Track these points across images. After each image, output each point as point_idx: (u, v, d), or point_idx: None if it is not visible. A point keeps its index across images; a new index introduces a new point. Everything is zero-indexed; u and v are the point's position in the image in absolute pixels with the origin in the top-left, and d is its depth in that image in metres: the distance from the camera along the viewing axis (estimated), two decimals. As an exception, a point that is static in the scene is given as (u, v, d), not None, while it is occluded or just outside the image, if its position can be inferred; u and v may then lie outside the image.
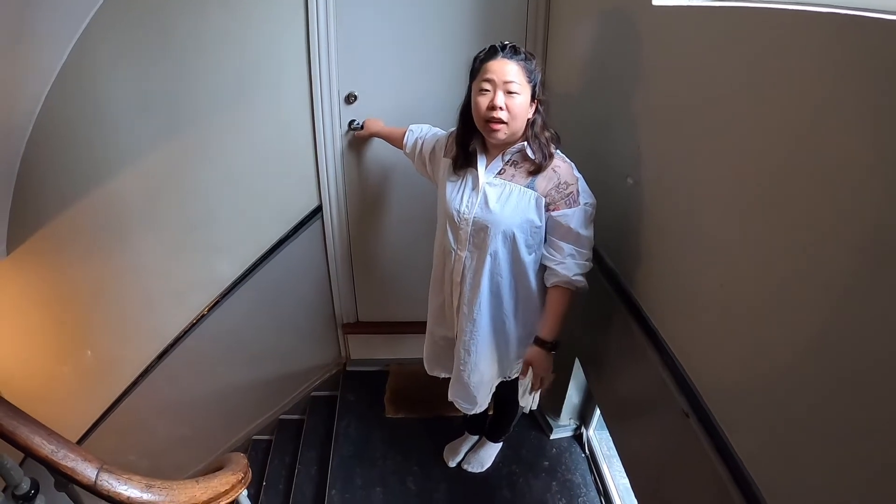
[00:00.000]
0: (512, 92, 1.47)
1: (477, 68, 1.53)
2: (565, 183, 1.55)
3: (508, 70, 1.46)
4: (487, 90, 1.49)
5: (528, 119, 1.54)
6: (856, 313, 0.85)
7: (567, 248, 1.59)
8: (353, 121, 2.36)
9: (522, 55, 1.49)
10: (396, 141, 2.08)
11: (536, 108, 1.54)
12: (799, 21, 0.93)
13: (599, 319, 1.91)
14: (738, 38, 1.11)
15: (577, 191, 1.55)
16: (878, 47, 0.77)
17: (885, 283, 0.79)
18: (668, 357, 1.44)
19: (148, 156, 2.34)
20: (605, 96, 1.78)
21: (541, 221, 1.58)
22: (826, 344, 0.92)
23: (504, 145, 1.58)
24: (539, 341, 1.70)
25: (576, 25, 1.98)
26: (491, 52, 1.50)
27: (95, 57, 2.12)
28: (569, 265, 1.59)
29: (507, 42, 1.50)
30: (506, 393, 1.99)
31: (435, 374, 2.09)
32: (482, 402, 1.94)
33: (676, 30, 1.35)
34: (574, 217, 1.56)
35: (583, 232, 1.57)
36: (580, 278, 1.60)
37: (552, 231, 1.60)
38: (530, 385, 1.74)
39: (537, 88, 1.52)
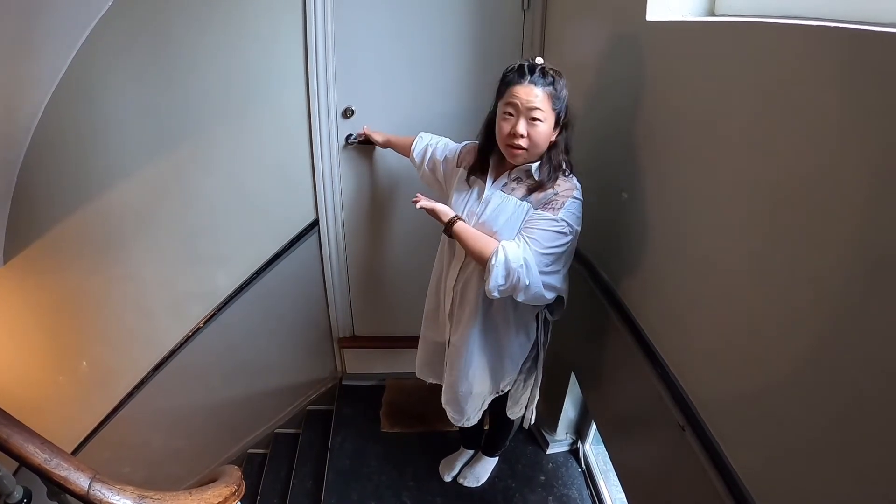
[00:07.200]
0: (535, 119, 1.45)
1: (504, 88, 1.50)
2: (555, 193, 1.51)
3: (534, 97, 1.43)
4: (511, 115, 1.48)
5: (551, 142, 1.52)
6: (851, 325, 0.86)
7: (520, 241, 1.48)
8: (350, 135, 2.38)
9: (550, 78, 1.45)
10: (404, 147, 2.08)
11: (561, 130, 1.52)
12: (793, 35, 0.95)
13: (595, 333, 1.91)
14: (733, 53, 1.13)
15: (562, 205, 1.49)
16: (874, 59, 0.79)
17: (881, 295, 0.79)
18: (664, 370, 1.45)
19: (146, 167, 2.36)
20: (600, 111, 1.80)
21: None
22: (821, 356, 0.92)
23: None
24: (450, 221, 1.61)
25: (571, 40, 2.01)
26: (519, 75, 1.45)
27: (95, 68, 2.14)
28: (511, 251, 1.45)
29: (537, 62, 1.46)
30: (501, 407, 1.98)
31: (425, 378, 2.09)
32: (472, 416, 1.93)
33: (671, 45, 1.37)
34: (541, 223, 1.48)
35: (540, 244, 1.47)
36: (501, 280, 1.45)
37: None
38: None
39: (562, 113, 1.49)
